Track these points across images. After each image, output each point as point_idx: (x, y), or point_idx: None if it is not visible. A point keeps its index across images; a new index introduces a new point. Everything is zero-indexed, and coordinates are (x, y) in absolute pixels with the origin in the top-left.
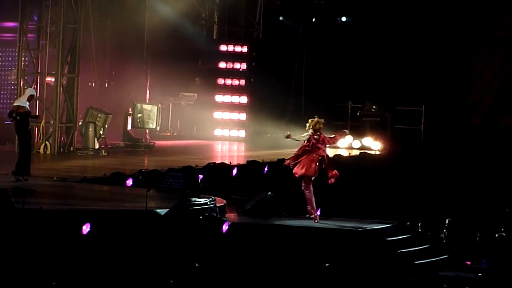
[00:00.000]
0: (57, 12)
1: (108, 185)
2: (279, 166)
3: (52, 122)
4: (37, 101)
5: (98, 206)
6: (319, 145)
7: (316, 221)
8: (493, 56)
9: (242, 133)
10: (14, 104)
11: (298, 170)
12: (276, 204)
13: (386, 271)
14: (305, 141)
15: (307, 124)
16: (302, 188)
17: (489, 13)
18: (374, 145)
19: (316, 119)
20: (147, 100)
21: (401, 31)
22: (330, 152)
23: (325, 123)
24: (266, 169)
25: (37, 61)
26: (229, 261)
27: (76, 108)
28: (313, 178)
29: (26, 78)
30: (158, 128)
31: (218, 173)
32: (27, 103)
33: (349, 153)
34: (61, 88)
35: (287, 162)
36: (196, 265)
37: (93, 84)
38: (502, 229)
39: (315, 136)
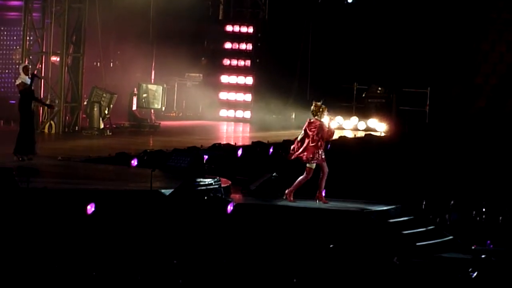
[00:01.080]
0: None
1: (112, 165)
2: (284, 147)
3: (57, 102)
4: (42, 81)
5: (102, 186)
6: (309, 131)
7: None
8: (499, 38)
9: (247, 114)
10: (17, 83)
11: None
12: (281, 185)
13: (390, 252)
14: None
15: (321, 110)
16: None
17: None
18: (379, 126)
19: (315, 102)
20: (152, 80)
21: (407, 13)
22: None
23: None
24: (271, 150)
25: (42, 40)
26: (233, 242)
27: (81, 87)
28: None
29: (31, 57)
30: (163, 108)
31: (223, 153)
32: (27, 77)
33: (354, 135)
34: (66, 68)
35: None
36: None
37: (98, 64)
38: (507, 212)
39: (312, 121)
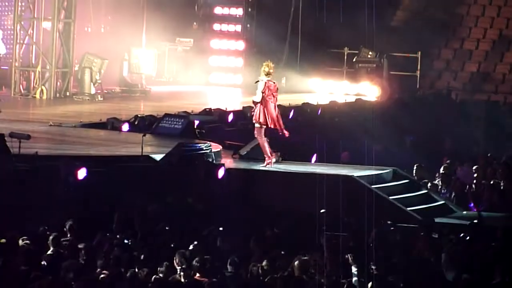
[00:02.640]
0: None
1: (104, 130)
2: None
3: (48, 68)
4: (33, 46)
5: (94, 151)
6: (275, 93)
7: (271, 165)
8: (489, 3)
9: (238, 79)
10: None
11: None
12: (271, 149)
13: (381, 217)
14: (264, 90)
15: (262, 69)
16: (255, 135)
17: None
18: (370, 91)
19: (267, 62)
20: (143, 46)
21: None
22: (324, 98)
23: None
24: None
25: (33, 6)
26: (224, 206)
27: (72, 53)
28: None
29: (22, 23)
30: (154, 73)
31: (214, 118)
32: None
33: (345, 100)
34: (58, 34)
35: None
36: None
37: (89, 29)
38: (496, 176)
39: (271, 82)
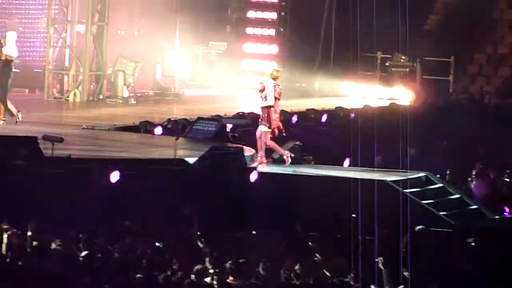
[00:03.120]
0: None
1: (137, 134)
2: (307, 116)
3: (81, 71)
4: (67, 49)
5: (127, 154)
6: (279, 97)
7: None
8: None
9: None
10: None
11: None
12: (305, 153)
13: (414, 222)
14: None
15: (268, 73)
16: (265, 139)
17: None
18: (403, 95)
19: (276, 68)
20: (176, 49)
21: None
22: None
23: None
24: (294, 118)
25: (67, 9)
26: (257, 210)
27: (105, 56)
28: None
29: (56, 26)
30: (187, 77)
31: (247, 122)
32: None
33: (378, 104)
34: (91, 37)
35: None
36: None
37: (123, 32)
38: None
39: (279, 86)
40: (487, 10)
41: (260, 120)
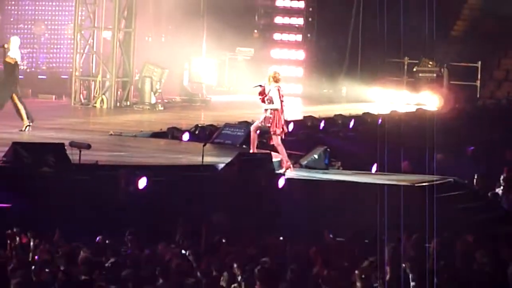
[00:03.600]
0: None
1: (164, 140)
2: (335, 121)
3: (108, 77)
4: (94, 55)
5: (154, 160)
6: (283, 98)
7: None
8: None
9: (298, 89)
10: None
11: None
12: (332, 159)
13: (442, 227)
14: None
15: (270, 76)
16: (276, 144)
17: None
18: (431, 100)
19: (276, 71)
20: (203, 55)
21: None
22: (385, 107)
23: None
24: (322, 124)
25: (93, 15)
26: (285, 216)
27: (132, 62)
28: None
29: (83, 32)
30: (214, 83)
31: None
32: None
33: (406, 109)
34: (118, 43)
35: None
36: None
37: (150, 38)
38: None
39: (281, 89)
40: None
41: (269, 125)
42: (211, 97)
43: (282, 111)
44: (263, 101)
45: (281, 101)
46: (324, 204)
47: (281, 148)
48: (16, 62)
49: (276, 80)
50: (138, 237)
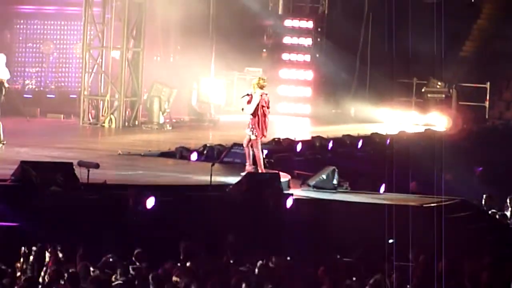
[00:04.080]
0: None
1: (172, 159)
2: (343, 142)
3: (117, 96)
4: (102, 75)
5: (162, 180)
6: (269, 104)
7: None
8: None
9: (307, 109)
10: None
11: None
12: (341, 179)
13: (450, 248)
14: (260, 101)
15: (256, 83)
16: (252, 146)
17: None
18: (439, 121)
19: (262, 77)
20: (212, 75)
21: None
22: (393, 128)
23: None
24: (330, 144)
25: (102, 35)
26: (293, 236)
27: (141, 82)
28: None
29: (91, 51)
30: (222, 103)
31: (282, 148)
32: None
33: (414, 130)
34: (127, 62)
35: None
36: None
37: (158, 58)
38: None
39: (266, 94)
40: None
41: (248, 128)
42: (219, 117)
43: (264, 115)
44: None
45: (263, 107)
46: (332, 224)
47: (257, 152)
48: (2, 81)
49: (261, 87)
50: (146, 256)
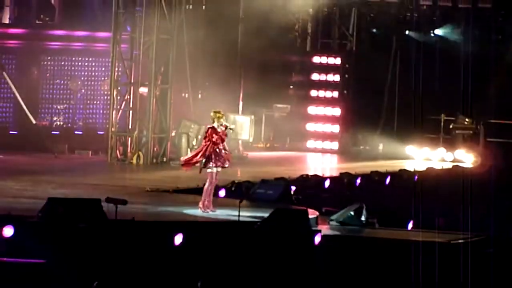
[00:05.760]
0: (151, 23)
1: (201, 196)
2: (371, 178)
3: (145, 133)
4: (130, 111)
5: (191, 217)
6: (224, 136)
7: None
8: None
9: (335, 145)
10: None
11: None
12: (369, 216)
13: (479, 285)
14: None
15: (217, 118)
16: (212, 182)
17: None
18: (466, 158)
19: (218, 110)
20: (240, 112)
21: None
22: (421, 164)
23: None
24: (358, 181)
25: (130, 71)
26: (321, 272)
27: (169, 118)
28: None
29: (119, 88)
30: (251, 139)
31: (310, 184)
32: None
33: (442, 166)
34: (154, 99)
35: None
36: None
37: (186, 95)
38: None
39: (221, 126)
40: None
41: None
42: (248, 153)
43: (212, 146)
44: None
45: (210, 139)
46: (360, 261)
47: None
48: None
49: (218, 119)
50: None
